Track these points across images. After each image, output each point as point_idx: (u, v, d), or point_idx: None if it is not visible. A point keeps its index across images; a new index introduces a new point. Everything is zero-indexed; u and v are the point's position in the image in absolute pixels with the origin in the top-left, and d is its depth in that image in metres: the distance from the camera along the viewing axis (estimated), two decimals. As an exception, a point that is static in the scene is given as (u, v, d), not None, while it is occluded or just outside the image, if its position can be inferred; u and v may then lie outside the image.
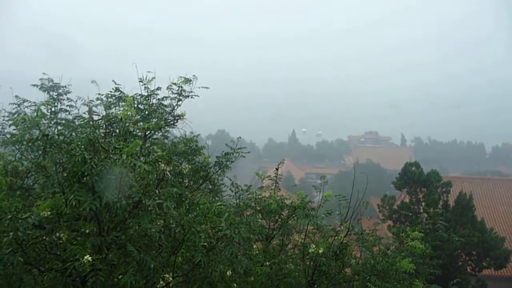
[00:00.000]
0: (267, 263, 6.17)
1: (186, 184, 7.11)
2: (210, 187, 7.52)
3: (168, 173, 6.09)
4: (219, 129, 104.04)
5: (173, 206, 4.65)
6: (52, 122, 5.65)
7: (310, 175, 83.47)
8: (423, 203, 19.77)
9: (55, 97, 6.77)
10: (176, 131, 8.07)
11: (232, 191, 7.61)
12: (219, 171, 7.80)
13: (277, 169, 7.17)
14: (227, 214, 5.41)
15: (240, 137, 8.25)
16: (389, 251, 8.51)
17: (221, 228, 5.04)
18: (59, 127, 5.55)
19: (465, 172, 77.87)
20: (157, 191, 4.66)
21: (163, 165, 6.06)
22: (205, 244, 5.08)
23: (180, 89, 7.83)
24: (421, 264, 8.26)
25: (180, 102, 8.07)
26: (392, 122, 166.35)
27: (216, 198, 7.60)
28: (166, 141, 7.40)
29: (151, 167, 4.81)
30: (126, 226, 4.75)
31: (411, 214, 18.45)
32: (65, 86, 7.10)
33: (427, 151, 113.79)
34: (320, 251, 6.32)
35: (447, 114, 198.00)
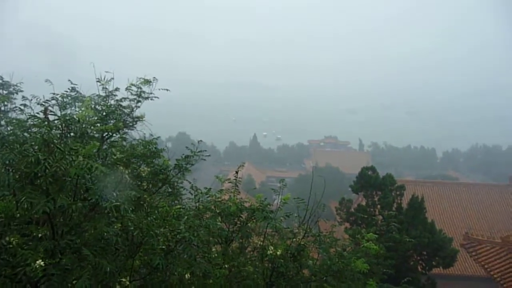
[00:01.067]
0: (226, 266, 6.19)
1: (145, 187, 7.01)
2: (170, 190, 7.45)
3: (127, 176, 5.99)
4: (179, 131, 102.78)
5: (131, 209, 4.59)
6: (2, 122, 5.43)
7: (270, 178, 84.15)
8: (378, 206, 20.53)
9: (5, 95, 6.49)
10: (135, 133, 7.95)
11: (192, 194, 7.57)
12: (179, 174, 7.76)
13: (236, 172, 7.22)
14: (186, 217, 5.38)
15: (201, 140, 8.24)
16: (345, 252, 8.79)
17: (179, 231, 5.01)
18: (9, 127, 5.34)
19: (418, 176, 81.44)
20: (114, 194, 4.58)
21: (121, 167, 5.96)
22: (163, 247, 5.03)
23: (139, 90, 7.73)
24: (375, 264, 8.60)
25: (139, 104, 7.96)
26: (350, 128, 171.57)
27: (176, 201, 7.54)
28: (124, 143, 7.27)
29: (108, 169, 4.73)
30: (82, 230, 4.62)
31: (366, 216, 19.05)
32: (16, 85, 6.83)
33: (384, 155, 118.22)
34: (278, 253, 6.43)
35: (403, 120, 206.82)
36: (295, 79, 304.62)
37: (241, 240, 7.35)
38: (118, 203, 4.27)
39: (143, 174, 6.81)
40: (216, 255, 6.82)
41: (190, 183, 7.76)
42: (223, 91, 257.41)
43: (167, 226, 5.14)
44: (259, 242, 7.71)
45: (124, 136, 7.42)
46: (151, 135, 7.56)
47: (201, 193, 7.39)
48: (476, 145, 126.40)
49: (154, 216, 5.28)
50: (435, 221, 30.66)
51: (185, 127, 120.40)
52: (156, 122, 8.47)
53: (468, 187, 42.92)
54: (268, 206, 6.75)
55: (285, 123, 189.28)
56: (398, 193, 20.95)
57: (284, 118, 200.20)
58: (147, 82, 7.58)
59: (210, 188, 7.56)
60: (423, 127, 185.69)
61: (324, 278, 6.93)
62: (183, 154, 7.94)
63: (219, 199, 7.05)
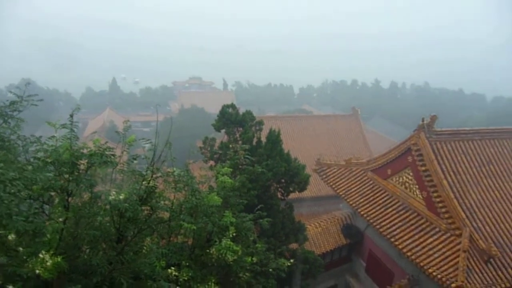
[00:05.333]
0: (62, 219, 5.55)
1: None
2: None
3: None
4: (23, 78, 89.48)
5: None
6: None
7: (135, 123, 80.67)
8: (240, 142, 21.28)
9: None
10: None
11: (19, 145, 6.50)
12: (3, 123, 6.60)
13: (71, 116, 6.33)
14: None
15: (28, 83, 7.08)
16: (203, 189, 8.80)
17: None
18: None
19: (278, 111, 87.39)
20: None
21: None
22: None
23: None
24: (231, 197, 8.87)
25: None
26: (213, 67, 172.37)
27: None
28: None
29: None
30: None
31: (229, 152, 19.59)
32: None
33: (247, 94, 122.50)
34: (121, 197, 6.01)
35: (266, 59, 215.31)
36: (155, 16, 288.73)
37: (87, 191, 6.70)
38: None
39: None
40: (56, 210, 6.11)
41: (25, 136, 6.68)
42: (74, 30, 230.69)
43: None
44: (111, 190, 7.17)
45: None
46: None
47: (31, 142, 6.38)
48: (326, 81, 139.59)
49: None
50: (293, 151, 33.60)
51: (31, 73, 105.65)
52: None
53: (320, 119, 47.60)
54: (108, 149, 6.15)
55: (146, 65, 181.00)
56: (257, 128, 21.89)
57: (145, 61, 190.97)
58: None
59: (41, 136, 6.57)
60: (283, 65, 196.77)
61: (180, 216, 6.85)
62: (7, 100, 6.80)
63: (52, 147, 6.17)
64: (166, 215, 7.72)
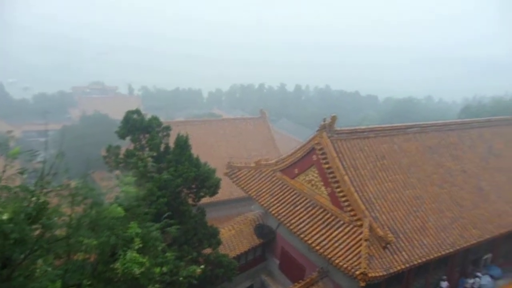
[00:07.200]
0: None
1: None
2: None
3: None
4: None
5: None
6: None
7: (29, 133, 73.61)
8: (147, 149, 20.52)
9: None
10: None
11: None
12: None
13: None
14: None
15: None
16: (105, 200, 8.25)
17: None
18: None
19: (188, 116, 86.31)
20: None
21: None
22: None
23: None
24: (136, 207, 8.45)
25: None
26: (117, 71, 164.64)
27: None
28: None
29: None
30: None
31: (135, 160, 18.79)
32: None
33: (154, 99, 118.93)
34: (4, 217, 5.36)
35: (174, 62, 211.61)
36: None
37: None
38: None
39: None
40: None
41: None
42: None
43: None
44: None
45: None
46: None
47: None
48: (234, 85, 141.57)
49: None
50: (204, 155, 33.31)
51: None
52: None
53: (230, 122, 47.90)
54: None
55: (39, 70, 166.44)
56: (165, 134, 21.32)
57: (37, 66, 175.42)
58: None
59: None
60: (193, 69, 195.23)
61: (78, 232, 6.32)
62: None
63: None
64: (64, 231, 7.09)
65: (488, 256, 25.43)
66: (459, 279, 24.07)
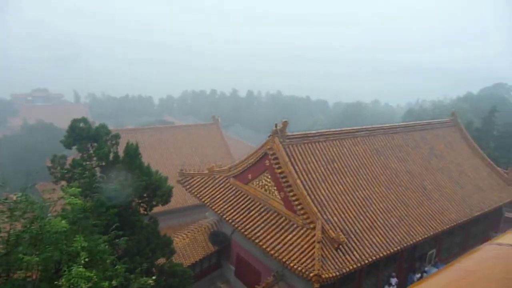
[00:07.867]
0: None
1: None
2: None
3: None
4: None
5: None
6: None
7: (-37, 145, 68.41)
8: (94, 158, 19.73)
9: None
10: None
11: None
12: None
13: None
14: None
15: None
16: (49, 214, 7.82)
17: None
18: None
19: (138, 123, 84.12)
20: None
21: None
22: None
23: None
24: (83, 219, 8.06)
25: None
26: (62, 78, 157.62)
27: None
28: None
29: None
30: None
31: (82, 170, 17.99)
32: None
33: (103, 107, 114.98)
34: None
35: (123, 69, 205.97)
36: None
37: None
38: None
39: None
40: None
41: None
42: None
43: None
44: None
45: None
46: None
47: None
48: (186, 91, 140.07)
49: None
50: (156, 163, 32.60)
51: None
52: None
53: (182, 129, 47.23)
54: None
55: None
56: (113, 142, 20.62)
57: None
58: None
59: None
60: (141, 76, 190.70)
61: (16, 249, 5.91)
62: None
63: None
64: (2, 249, 6.62)
65: (433, 251, 26.83)
66: (408, 274, 25.19)
